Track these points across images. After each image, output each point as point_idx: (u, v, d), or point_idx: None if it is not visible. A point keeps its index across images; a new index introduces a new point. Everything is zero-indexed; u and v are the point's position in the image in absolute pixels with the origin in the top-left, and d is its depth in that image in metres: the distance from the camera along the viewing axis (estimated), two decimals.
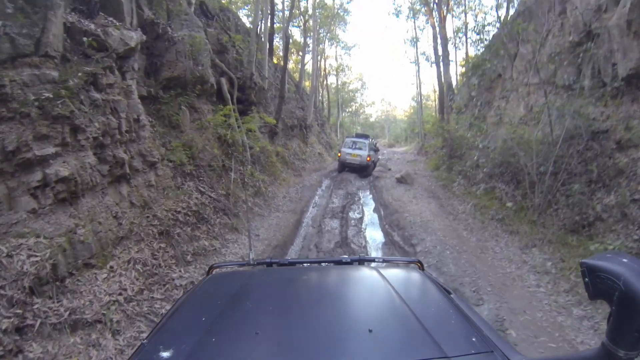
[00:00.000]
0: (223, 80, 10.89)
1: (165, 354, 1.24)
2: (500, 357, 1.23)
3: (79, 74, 5.27)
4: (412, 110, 59.25)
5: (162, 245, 5.73)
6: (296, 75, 27.30)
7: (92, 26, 5.89)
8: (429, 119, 28.29)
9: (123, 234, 5.55)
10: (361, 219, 10.20)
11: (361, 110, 59.23)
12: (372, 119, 67.51)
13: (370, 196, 13.81)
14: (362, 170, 17.31)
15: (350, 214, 10.52)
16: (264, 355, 1.26)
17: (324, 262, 2.70)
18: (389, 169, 19.24)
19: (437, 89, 32.61)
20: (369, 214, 11.07)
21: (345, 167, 17.71)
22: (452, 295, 1.85)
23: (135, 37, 6.56)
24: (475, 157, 9.47)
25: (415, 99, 57.53)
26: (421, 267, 2.21)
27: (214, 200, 7.46)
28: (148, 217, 6.02)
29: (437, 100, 29.94)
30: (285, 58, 15.60)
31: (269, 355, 1.27)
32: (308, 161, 17.95)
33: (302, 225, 9.32)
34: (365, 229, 9.40)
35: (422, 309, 1.53)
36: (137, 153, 6.33)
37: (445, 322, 1.49)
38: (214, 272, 2.27)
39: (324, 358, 1.25)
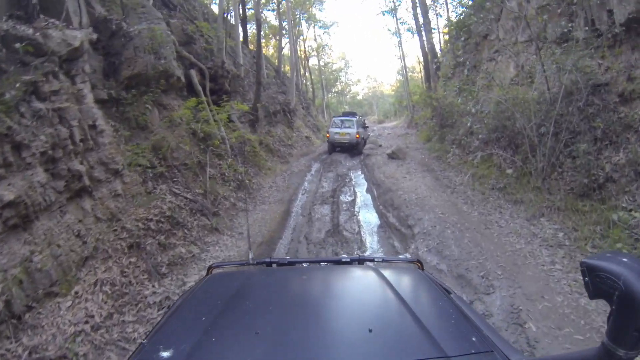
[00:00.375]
0: (192, 72, 10.19)
1: (165, 354, 1.23)
2: (500, 356, 1.23)
3: (17, 85, 4.66)
4: (398, 84, 58.47)
5: (133, 259, 5.18)
6: (276, 62, 26.41)
7: (31, 31, 5.23)
8: (416, 90, 27.61)
9: (88, 254, 5.00)
10: (353, 202, 9.67)
11: (347, 90, 58.36)
12: (359, 97, 66.53)
13: (362, 176, 13.27)
14: (353, 148, 17.05)
15: (342, 197, 9.99)
16: (264, 355, 1.24)
17: (324, 261, 2.68)
18: (380, 145, 18.69)
19: (421, 59, 31.90)
20: (361, 195, 10.55)
21: (335, 147, 17.40)
22: (451, 295, 1.83)
23: (79, 36, 5.86)
24: (469, 124, 8.90)
25: (400, 72, 57.01)
26: (421, 267, 2.19)
27: (190, 202, 6.88)
28: (116, 230, 5.45)
29: (422, 70, 29.30)
30: (259, 41, 14.80)
31: (269, 355, 1.25)
32: (295, 146, 17.32)
33: (290, 215, 8.77)
34: (358, 212, 8.87)
35: (421, 309, 1.52)
36: (98, 162, 5.71)
37: (445, 321, 1.49)
38: (213, 272, 2.24)
39: (324, 358, 1.24)
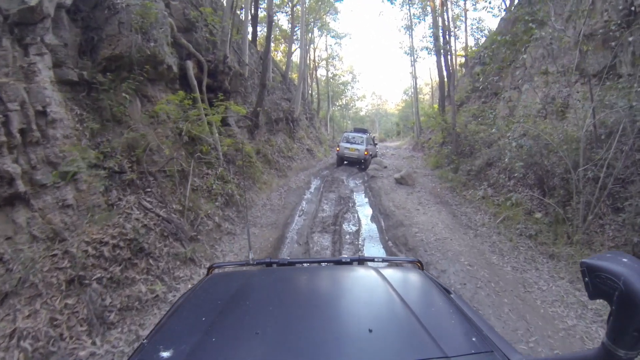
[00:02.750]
0: (189, 64, 8.89)
1: (165, 354, 1.23)
2: (500, 356, 1.23)
3: None
4: (404, 104, 57.88)
5: (70, 301, 3.79)
6: (284, 67, 25.23)
7: None
8: (427, 112, 26.56)
9: (10, 288, 3.62)
10: (357, 233, 8.35)
11: (352, 104, 57.28)
12: (362, 113, 65.60)
13: (366, 200, 11.98)
14: (360, 163, 17.97)
15: (345, 226, 8.67)
16: (264, 355, 1.24)
17: (324, 262, 2.64)
18: (385, 167, 17.45)
19: (434, 79, 30.97)
20: (367, 224, 9.24)
21: (343, 160, 18.53)
22: (452, 295, 1.82)
23: None
24: (507, 159, 7.65)
25: (407, 92, 56.43)
26: (421, 267, 2.20)
27: (163, 221, 5.50)
28: (55, 255, 4.07)
29: (438, 91, 28.54)
30: (269, 37, 13.55)
31: (269, 355, 1.25)
32: (295, 159, 16.01)
33: (284, 243, 7.42)
34: (363, 245, 7.56)
35: (422, 309, 1.53)
36: (43, 160, 4.37)
37: (445, 322, 1.48)
38: (213, 272, 2.18)
39: (324, 358, 1.23)
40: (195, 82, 8.90)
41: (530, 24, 8.45)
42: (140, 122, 6.63)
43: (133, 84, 6.35)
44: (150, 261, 4.80)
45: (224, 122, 10.80)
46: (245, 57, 14.26)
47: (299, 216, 9.57)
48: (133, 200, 5.32)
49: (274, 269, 2.25)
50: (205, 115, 7.66)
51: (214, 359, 1.24)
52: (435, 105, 25.56)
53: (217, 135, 9.31)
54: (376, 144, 23.58)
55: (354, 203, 11.10)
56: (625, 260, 0.86)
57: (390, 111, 69.42)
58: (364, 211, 10.51)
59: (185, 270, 5.21)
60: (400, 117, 56.18)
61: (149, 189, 5.76)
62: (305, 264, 2.55)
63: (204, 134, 7.72)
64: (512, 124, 8.70)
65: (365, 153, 17.77)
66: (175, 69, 7.93)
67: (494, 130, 8.97)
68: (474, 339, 1.31)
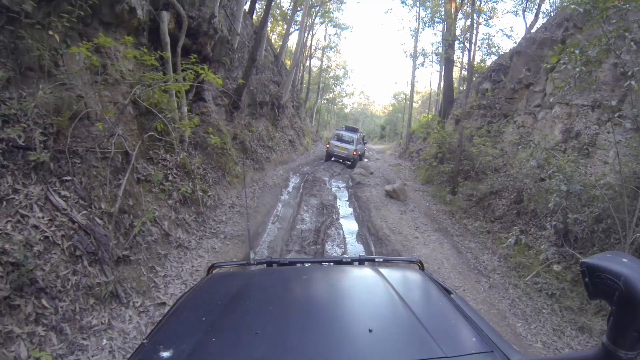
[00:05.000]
0: (164, 15, 7.00)
1: (165, 354, 1.21)
2: (500, 356, 1.23)
3: None
4: (392, 108, 56.87)
5: None
6: (279, 50, 23.21)
7: None
8: (422, 121, 25.30)
9: None
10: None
11: (338, 100, 55.63)
12: (347, 110, 64.03)
13: (351, 211, 10.45)
14: (348, 161, 18.27)
15: (328, 247, 7.09)
16: (264, 355, 1.22)
17: (324, 261, 2.53)
18: (371, 173, 15.99)
19: (432, 88, 29.77)
20: (354, 245, 7.70)
21: (331, 157, 18.83)
22: (452, 295, 1.82)
23: None
24: (551, 204, 6.20)
25: (397, 96, 55.22)
26: (421, 267, 2.18)
27: (79, 230, 3.70)
28: None
29: (434, 100, 27.41)
30: (268, 8, 11.73)
31: (269, 355, 1.22)
32: (275, 150, 14.24)
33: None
34: None
35: (422, 309, 1.53)
36: None
37: (445, 322, 1.48)
38: (214, 272, 2.13)
39: (324, 358, 1.22)
40: (168, 39, 7.02)
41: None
42: (78, 78, 4.79)
43: (75, 23, 4.50)
44: (44, 301, 3.01)
45: (199, 96, 8.98)
46: (238, 25, 12.37)
47: (273, 223, 7.94)
48: (37, 193, 3.51)
49: (274, 268, 2.22)
50: (175, 81, 5.78)
51: (214, 358, 1.22)
52: (431, 115, 24.31)
53: (185, 110, 7.51)
54: (366, 143, 24.19)
55: (338, 214, 9.52)
56: (625, 260, 0.85)
57: (376, 113, 68.33)
58: (350, 226, 8.95)
59: (103, 313, 3.42)
60: (387, 121, 55.13)
61: (67, 178, 3.93)
62: (305, 264, 2.39)
63: (165, 106, 5.85)
64: (551, 158, 7.27)
65: (354, 153, 18.09)
66: (141, 14, 6.04)
67: (531, 162, 7.54)
68: (474, 339, 1.30)
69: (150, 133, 5.47)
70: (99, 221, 4.16)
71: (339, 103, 58.43)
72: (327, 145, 19.10)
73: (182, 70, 5.52)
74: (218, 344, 1.27)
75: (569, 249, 6.11)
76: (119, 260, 4.19)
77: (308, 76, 32.81)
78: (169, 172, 6.21)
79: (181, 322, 1.49)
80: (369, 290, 1.79)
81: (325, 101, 51.05)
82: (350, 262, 2.27)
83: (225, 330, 1.36)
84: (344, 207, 10.63)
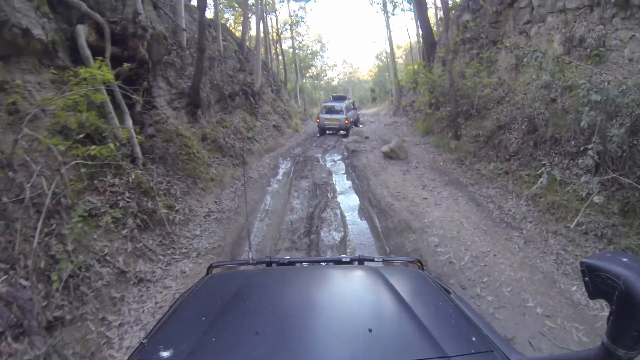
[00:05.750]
0: (80, 29, 5.98)
1: (165, 354, 1.19)
2: (500, 356, 1.21)
3: None
4: (377, 70, 55.13)
5: None
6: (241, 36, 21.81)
7: None
8: (409, 71, 23.87)
9: None
10: (342, 243, 5.81)
11: (323, 75, 54.01)
12: (334, 83, 62.36)
13: (349, 183, 9.42)
14: (342, 130, 17.91)
15: (324, 235, 6.09)
16: (263, 355, 1.20)
17: (324, 261, 2.51)
18: (367, 137, 14.92)
19: (412, 38, 28.10)
20: (355, 225, 6.69)
21: (325, 131, 18.49)
22: (451, 295, 1.78)
23: None
24: (584, 122, 5.01)
25: (380, 56, 53.33)
26: (421, 267, 2.14)
27: None
28: None
29: (416, 50, 26.18)
30: None
31: (268, 355, 1.20)
32: (258, 139, 13.15)
33: None
34: None
35: (422, 309, 1.49)
36: None
37: (445, 321, 1.45)
38: (213, 272, 2.11)
39: (324, 358, 1.20)
40: (88, 53, 5.99)
41: None
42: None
43: None
44: None
45: (150, 103, 7.91)
46: (181, 20, 11.18)
47: (261, 220, 6.95)
48: None
49: (274, 268, 2.20)
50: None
51: (214, 358, 1.21)
52: (416, 64, 22.87)
53: (130, 123, 6.48)
54: (356, 108, 23.45)
55: (335, 192, 8.49)
56: (625, 259, 0.82)
57: (363, 78, 66.56)
58: (349, 202, 7.95)
59: None
60: (375, 83, 53.44)
61: None
62: (305, 264, 2.40)
63: (94, 128, 4.83)
64: (563, 69, 6.05)
65: (346, 122, 17.60)
66: (42, 35, 5.03)
67: (544, 77, 6.35)
68: (473, 338, 1.28)
69: (76, 161, 4.47)
70: (25, 282, 3.26)
71: (325, 77, 56.90)
72: (318, 120, 18.76)
73: (84, 80, 4.44)
74: (218, 343, 1.25)
75: (611, 173, 4.95)
76: (55, 322, 3.30)
77: (283, 58, 31.32)
78: (119, 198, 5.24)
79: (181, 321, 1.47)
80: (368, 289, 1.79)
81: (309, 78, 49.55)
82: (350, 262, 2.27)
83: (225, 330, 1.33)
84: (340, 182, 9.60)
